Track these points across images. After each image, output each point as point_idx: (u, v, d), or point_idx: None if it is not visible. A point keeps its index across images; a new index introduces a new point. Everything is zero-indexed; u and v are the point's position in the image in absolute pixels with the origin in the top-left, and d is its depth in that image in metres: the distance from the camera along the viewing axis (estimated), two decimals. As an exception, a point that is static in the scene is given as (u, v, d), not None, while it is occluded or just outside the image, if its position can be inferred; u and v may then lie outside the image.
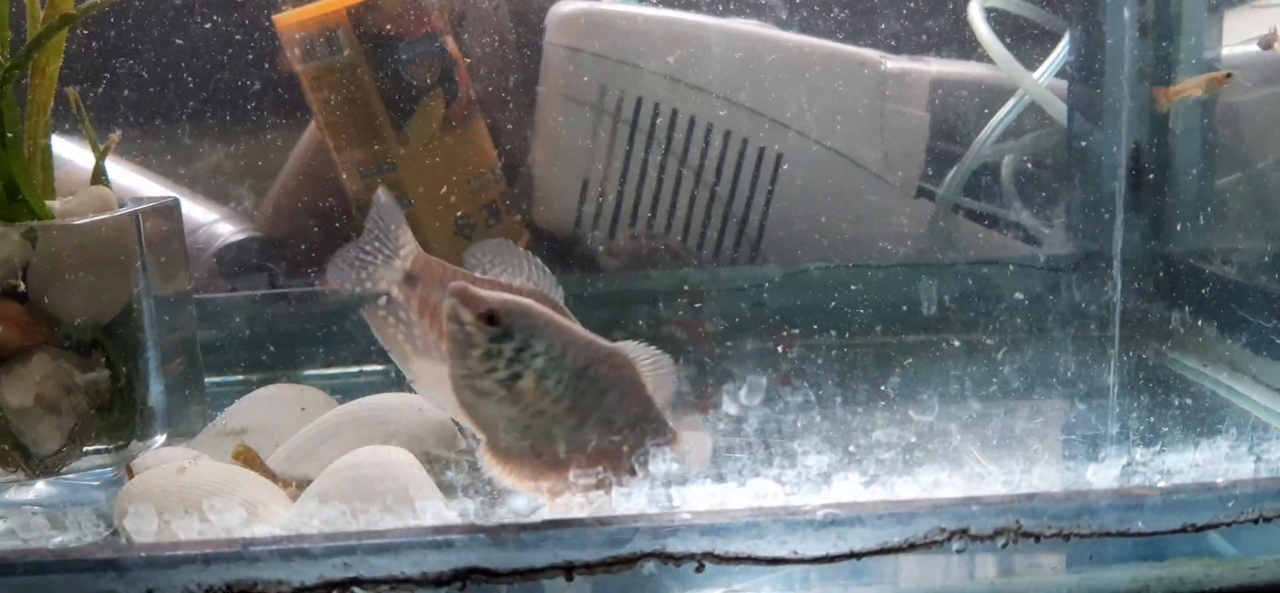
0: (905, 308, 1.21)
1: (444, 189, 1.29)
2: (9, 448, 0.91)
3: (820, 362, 1.14)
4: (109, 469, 0.94)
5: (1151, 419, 1.01)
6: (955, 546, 0.64)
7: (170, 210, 1.02)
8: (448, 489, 0.85)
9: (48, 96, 0.95)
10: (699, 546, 0.63)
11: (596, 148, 1.33)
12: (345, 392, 1.20)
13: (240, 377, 1.25)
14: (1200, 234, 1.23)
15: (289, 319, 1.29)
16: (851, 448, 0.83)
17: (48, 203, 0.95)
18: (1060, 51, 1.34)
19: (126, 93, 1.36)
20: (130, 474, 0.88)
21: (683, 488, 0.68)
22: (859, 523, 0.64)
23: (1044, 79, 1.33)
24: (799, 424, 0.93)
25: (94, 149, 1.00)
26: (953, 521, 0.64)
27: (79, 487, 0.93)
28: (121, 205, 0.98)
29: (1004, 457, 0.89)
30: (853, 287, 1.23)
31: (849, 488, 0.68)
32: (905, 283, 1.23)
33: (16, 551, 0.68)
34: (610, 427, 0.75)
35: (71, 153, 1.18)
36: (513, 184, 1.36)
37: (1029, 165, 1.33)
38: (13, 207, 0.92)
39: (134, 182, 1.39)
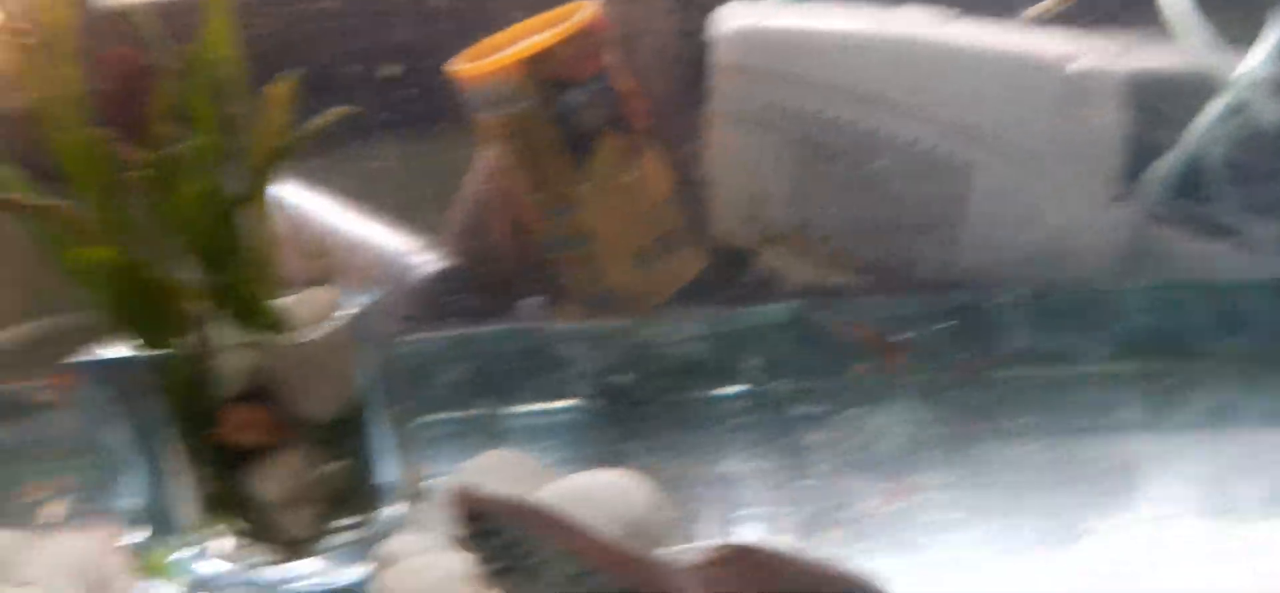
0: (1104, 332, 1.17)
1: (623, 223, 1.33)
2: (268, 533, 1.02)
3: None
4: (356, 544, 1.05)
5: None
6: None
7: (383, 300, 1.09)
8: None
9: (265, 210, 1.02)
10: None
11: (770, 167, 1.33)
12: (549, 430, 1.28)
13: (444, 414, 1.34)
14: None
15: (484, 354, 1.36)
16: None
17: (278, 302, 1.04)
18: (1275, 36, 1.22)
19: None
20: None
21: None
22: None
23: (1257, 69, 1.22)
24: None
25: (312, 246, 1.08)
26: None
27: (330, 560, 1.04)
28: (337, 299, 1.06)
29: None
30: (1042, 312, 1.19)
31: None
32: (1101, 304, 1.18)
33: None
34: None
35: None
36: (688, 210, 1.38)
37: (1241, 167, 1.24)
38: (249, 319, 1.01)
39: (332, 212, 1.48)
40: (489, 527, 0.71)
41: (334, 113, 0.96)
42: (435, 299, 1.42)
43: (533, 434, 1.27)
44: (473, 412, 1.33)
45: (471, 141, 1.40)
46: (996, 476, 1.03)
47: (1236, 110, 1.24)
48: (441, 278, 1.43)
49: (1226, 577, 0.81)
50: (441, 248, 1.46)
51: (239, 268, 0.98)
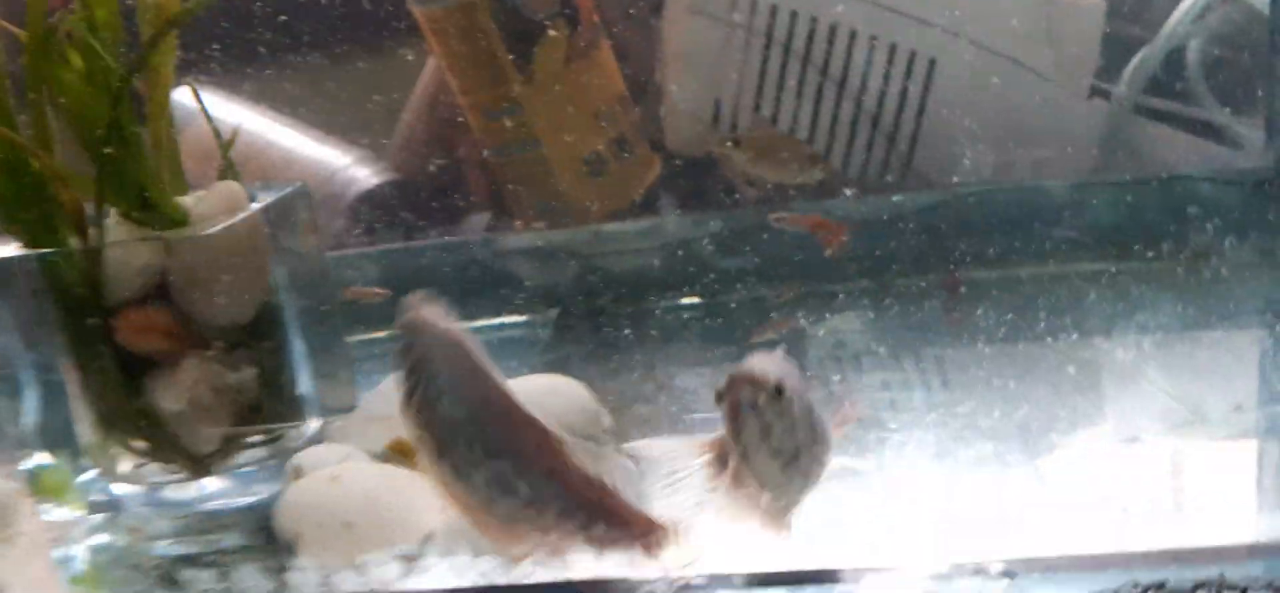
0: (1076, 234, 1.10)
1: (572, 125, 1.24)
2: (171, 449, 0.94)
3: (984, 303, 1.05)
4: (269, 462, 0.97)
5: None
6: (1151, 602, 0.57)
7: (299, 195, 1.00)
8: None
9: (165, 96, 0.93)
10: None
11: (728, 64, 1.24)
12: (490, 350, 1.20)
13: (385, 333, 1.26)
14: None
15: (428, 270, 1.28)
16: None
17: (182, 199, 0.95)
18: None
19: (258, 33, 1.34)
20: (298, 474, 0.90)
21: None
22: (1043, 580, 0.58)
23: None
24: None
25: (218, 141, 0.99)
26: (1148, 574, 0.57)
27: (241, 479, 0.96)
28: (251, 197, 0.97)
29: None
30: (1015, 209, 1.12)
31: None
32: (1078, 202, 1.11)
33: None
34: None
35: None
36: (642, 109, 1.29)
37: (1222, 57, 1.17)
38: (147, 214, 0.92)
39: (263, 126, 1.39)
40: (414, 345, 0.71)
41: (231, -20, 0.87)
42: (375, 213, 1.34)
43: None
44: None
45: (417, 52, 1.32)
46: (953, 379, 0.97)
47: (1215, 3, 1.16)
48: (382, 191, 1.35)
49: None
50: (383, 160, 1.37)
51: (132, 154, 0.89)
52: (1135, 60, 1.18)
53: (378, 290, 1.20)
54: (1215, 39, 1.18)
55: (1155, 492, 0.78)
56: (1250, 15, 1.15)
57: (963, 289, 1.07)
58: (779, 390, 0.67)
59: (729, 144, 1.18)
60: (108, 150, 0.86)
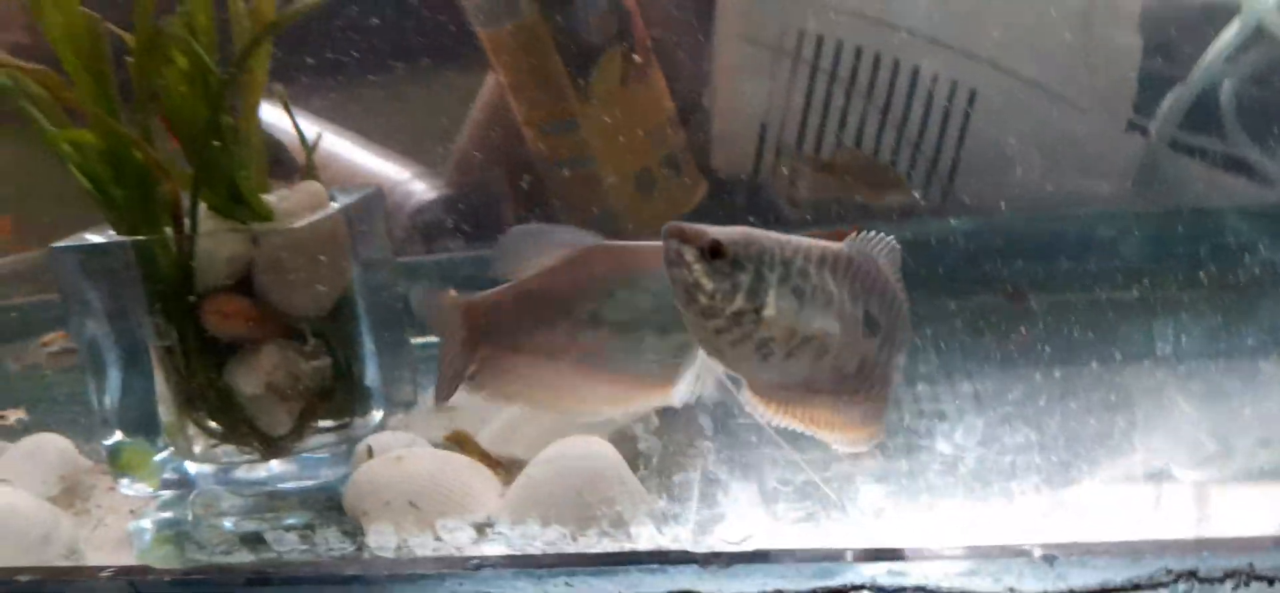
0: (1115, 259, 1.14)
1: (624, 143, 1.30)
2: (245, 431, 0.99)
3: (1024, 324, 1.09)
4: (337, 447, 1.02)
5: None
6: (1181, 587, 0.61)
7: (375, 198, 1.06)
8: (642, 476, 0.88)
9: (258, 99, 1.00)
10: (911, 580, 0.63)
11: (775, 90, 1.30)
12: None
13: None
14: None
15: (476, 280, 1.33)
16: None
17: (266, 197, 1.01)
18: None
19: (321, 54, 1.41)
20: (370, 454, 0.95)
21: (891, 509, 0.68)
22: (1081, 564, 0.62)
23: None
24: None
25: (303, 143, 1.05)
26: (1179, 562, 0.61)
27: (308, 463, 1.01)
28: (330, 196, 1.03)
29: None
30: (1053, 236, 1.16)
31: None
32: (1115, 230, 1.15)
33: (273, 563, 0.74)
34: (872, 331, 0.68)
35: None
36: (690, 131, 1.35)
37: (1255, 93, 1.21)
38: (236, 208, 0.98)
39: (330, 141, 1.45)
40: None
41: (326, -10, 0.93)
42: (433, 224, 1.40)
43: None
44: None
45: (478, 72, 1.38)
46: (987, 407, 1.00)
47: (1250, 43, 1.21)
48: (440, 204, 1.41)
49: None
50: (442, 176, 1.43)
51: (227, 151, 0.95)
52: (1170, 97, 1.22)
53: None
54: (1248, 79, 1.22)
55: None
56: (1282, 55, 1.20)
57: (1030, 302, 1.10)
58: (714, 250, 0.65)
59: (820, 166, 1.22)
60: (211, 146, 0.92)
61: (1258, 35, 1.20)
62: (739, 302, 0.66)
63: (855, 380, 0.68)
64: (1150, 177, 1.20)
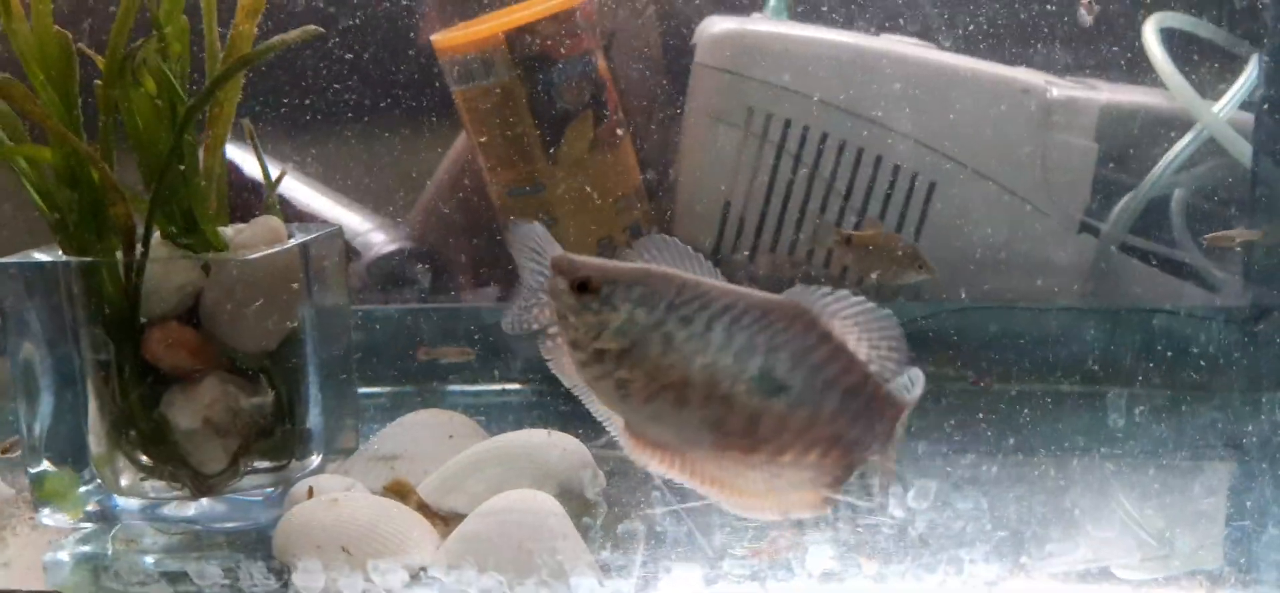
0: (1064, 354, 1.15)
1: (589, 210, 1.30)
2: (177, 466, 0.96)
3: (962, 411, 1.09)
4: (270, 490, 0.99)
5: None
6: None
7: (334, 238, 1.06)
8: (588, 531, 0.87)
9: (224, 131, 0.99)
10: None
11: (741, 170, 1.31)
12: (489, 410, 1.24)
13: (389, 388, 1.30)
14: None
15: (437, 333, 1.32)
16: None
17: (221, 229, 1.00)
18: (1245, 79, 1.24)
19: (286, 101, 1.42)
20: (311, 494, 0.92)
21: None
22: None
23: (1226, 111, 1.23)
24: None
25: (266, 179, 1.05)
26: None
27: (240, 504, 0.98)
28: (289, 233, 1.02)
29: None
30: (1004, 328, 1.17)
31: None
32: (1065, 326, 1.17)
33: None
34: (770, 392, 0.64)
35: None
36: (655, 204, 1.36)
37: (1205, 204, 1.24)
38: (190, 237, 0.97)
39: (291, 188, 1.45)
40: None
41: (302, 30, 0.94)
42: (391, 274, 1.39)
43: (474, 412, 1.22)
44: (412, 386, 1.28)
45: (448, 127, 1.39)
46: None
47: (1202, 154, 1.25)
48: (401, 257, 1.40)
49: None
50: (405, 227, 1.43)
51: (186, 179, 0.94)
52: (1122, 201, 1.26)
53: (459, 349, 1.23)
54: (1199, 188, 1.26)
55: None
56: (1233, 169, 1.24)
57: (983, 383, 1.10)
58: (583, 285, 0.66)
59: (843, 240, 1.22)
60: (171, 171, 0.91)
61: (1210, 147, 1.24)
62: (603, 339, 0.66)
63: (747, 441, 0.65)
64: (1100, 277, 1.23)
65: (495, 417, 1.20)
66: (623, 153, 1.33)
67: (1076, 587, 0.83)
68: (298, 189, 1.45)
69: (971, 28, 1.30)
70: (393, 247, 1.41)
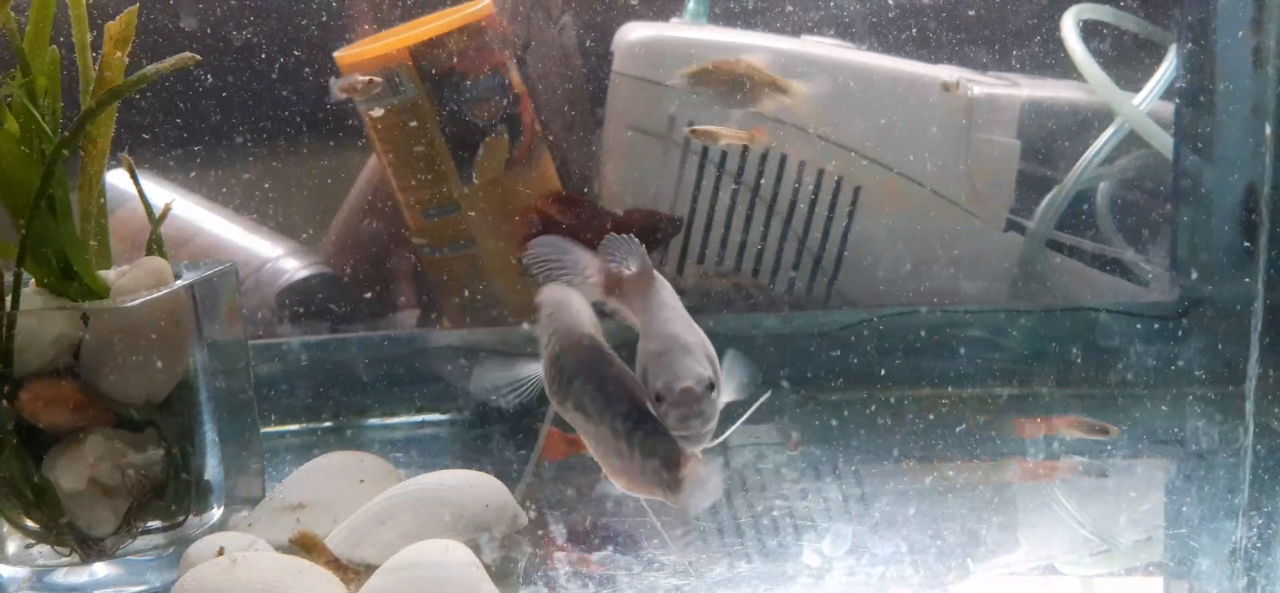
0: (994, 356, 1.13)
1: (507, 228, 1.25)
2: (63, 530, 0.89)
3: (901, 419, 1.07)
4: (165, 550, 0.93)
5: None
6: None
7: (226, 275, 0.99)
8: (503, 578, 0.82)
9: (100, 168, 0.93)
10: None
11: (664, 180, 1.27)
12: (408, 444, 1.18)
13: (301, 425, 1.24)
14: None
15: (352, 364, 1.26)
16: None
17: (104, 273, 0.93)
18: (1165, 70, 1.23)
19: (190, 124, 1.35)
20: (221, 553, 0.86)
21: None
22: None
23: (1147, 103, 1.22)
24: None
25: (150, 217, 0.98)
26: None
27: (135, 567, 0.92)
28: (177, 274, 0.95)
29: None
30: (934, 332, 1.15)
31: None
32: (994, 327, 1.15)
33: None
34: (618, 436, 0.72)
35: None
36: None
37: (1130, 198, 1.23)
38: (67, 284, 0.90)
39: (198, 214, 1.38)
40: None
41: (177, 58, 0.87)
42: (305, 304, 1.33)
43: (392, 448, 1.17)
44: (328, 422, 1.23)
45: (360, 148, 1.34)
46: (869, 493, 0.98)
47: (1127, 146, 1.24)
48: (314, 283, 1.34)
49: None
50: (318, 253, 1.37)
51: (59, 222, 0.88)
52: (1047, 198, 1.24)
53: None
54: (1124, 182, 1.25)
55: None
56: (1157, 161, 1.23)
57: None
58: None
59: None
60: (41, 215, 0.85)
61: (1132, 140, 1.23)
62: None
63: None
64: (1027, 275, 1.21)
65: (415, 449, 1.15)
66: (541, 168, 1.28)
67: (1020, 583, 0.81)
68: (200, 216, 1.38)
69: (891, 28, 1.27)
70: (305, 273, 1.35)
